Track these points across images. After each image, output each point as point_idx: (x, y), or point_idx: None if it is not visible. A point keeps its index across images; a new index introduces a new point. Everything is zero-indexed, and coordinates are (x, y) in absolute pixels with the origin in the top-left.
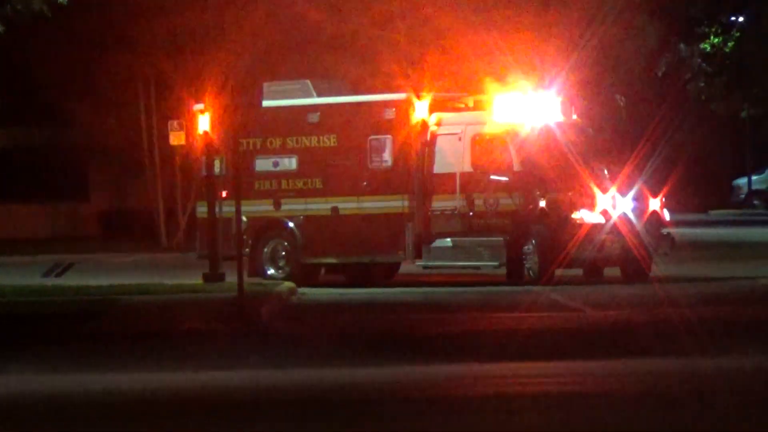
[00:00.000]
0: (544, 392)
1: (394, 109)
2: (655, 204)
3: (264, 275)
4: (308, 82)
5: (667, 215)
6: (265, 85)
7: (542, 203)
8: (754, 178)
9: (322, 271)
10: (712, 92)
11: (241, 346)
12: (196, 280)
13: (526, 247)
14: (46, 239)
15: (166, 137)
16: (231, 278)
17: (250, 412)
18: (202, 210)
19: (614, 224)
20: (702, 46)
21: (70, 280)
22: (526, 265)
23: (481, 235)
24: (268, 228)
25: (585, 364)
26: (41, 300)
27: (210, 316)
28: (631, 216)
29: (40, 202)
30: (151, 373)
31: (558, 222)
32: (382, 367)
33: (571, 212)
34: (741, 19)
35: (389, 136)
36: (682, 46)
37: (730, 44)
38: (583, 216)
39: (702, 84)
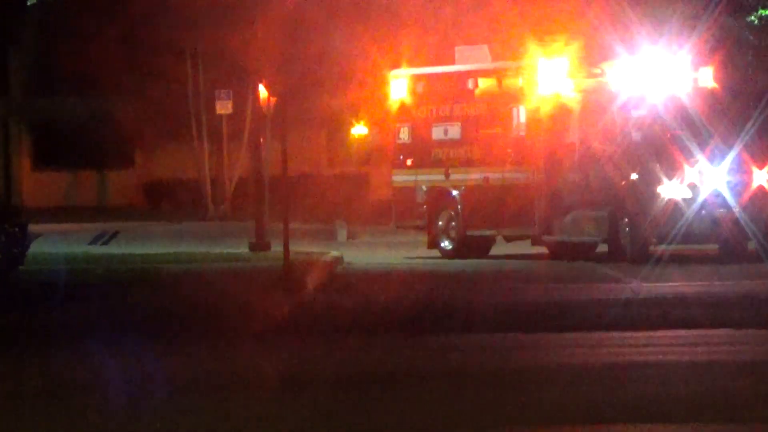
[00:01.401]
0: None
1: (525, 77)
2: (762, 177)
3: (438, 248)
4: (485, 46)
5: None
6: (457, 49)
7: (634, 176)
8: None
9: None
10: None
11: (283, 318)
12: (243, 248)
13: (621, 223)
14: (93, 207)
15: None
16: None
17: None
18: (398, 179)
19: (705, 199)
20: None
21: (115, 248)
22: (622, 242)
23: (589, 209)
24: (439, 198)
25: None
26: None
27: (255, 286)
28: (727, 190)
29: (88, 171)
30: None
31: (646, 196)
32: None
33: (658, 186)
34: None
35: (523, 104)
36: None
37: None
38: (670, 190)
39: None
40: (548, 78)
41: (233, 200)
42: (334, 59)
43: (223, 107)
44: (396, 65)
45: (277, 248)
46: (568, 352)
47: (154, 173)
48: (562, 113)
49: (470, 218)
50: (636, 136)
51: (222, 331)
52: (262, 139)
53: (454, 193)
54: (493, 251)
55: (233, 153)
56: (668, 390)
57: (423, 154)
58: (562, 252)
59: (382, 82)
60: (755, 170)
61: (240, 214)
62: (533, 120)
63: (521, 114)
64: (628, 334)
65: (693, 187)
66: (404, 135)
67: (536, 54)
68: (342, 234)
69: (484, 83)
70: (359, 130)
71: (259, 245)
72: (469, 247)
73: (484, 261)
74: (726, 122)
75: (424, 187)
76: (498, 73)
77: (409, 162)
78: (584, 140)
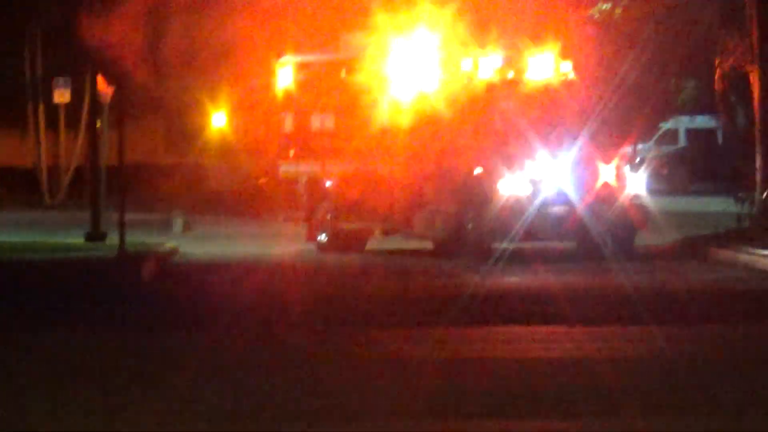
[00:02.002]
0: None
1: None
2: (608, 173)
3: (315, 241)
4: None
5: (632, 186)
6: (342, 37)
7: (477, 171)
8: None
9: None
10: None
11: (114, 307)
12: (78, 238)
13: (466, 219)
14: None
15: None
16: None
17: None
18: (283, 170)
19: (546, 196)
20: None
21: None
22: (467, 238)
23: (441, 204)
24: (316, 190)
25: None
26: None
27: (89, 276)
28: (570, 186)
29: None
30: (23, 332)
31: (486, 192)
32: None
33: (498, 181)
34: None
35: (387, 95)
36: None
37: None
38: (510, 186)
39: None
40: (413, 68)
41: (70, 190)
42: (186, 45)
43: (61, 96)
44: (266, 52)
45: (113, 238)
46: (411, 347)
47: None
48: (425, 105)
49: (342, 211)
50: (484, 130)
51: (56, 320)
52: (99, 127)
53: (328, 184)
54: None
55: (71, 141)
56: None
57: (304, 144)
58: (445, 248)
59: (262, 70)
60: (601, 166)
61: (77, 204)
62: (395, 111)
63: (384, 105)
64: (464, 330)
65: (534, 183)
66: (288, 124)
67: (403, 43)
68: (178, 225)
69: (356, 73)
70: (219, 119)
71: (95, 235)
72: (343, 240)
73: (355, 255)
74: (574, 117)
75: (304, 179)
76: (367, 62)
77: (291, 152)
78: (445, 133)
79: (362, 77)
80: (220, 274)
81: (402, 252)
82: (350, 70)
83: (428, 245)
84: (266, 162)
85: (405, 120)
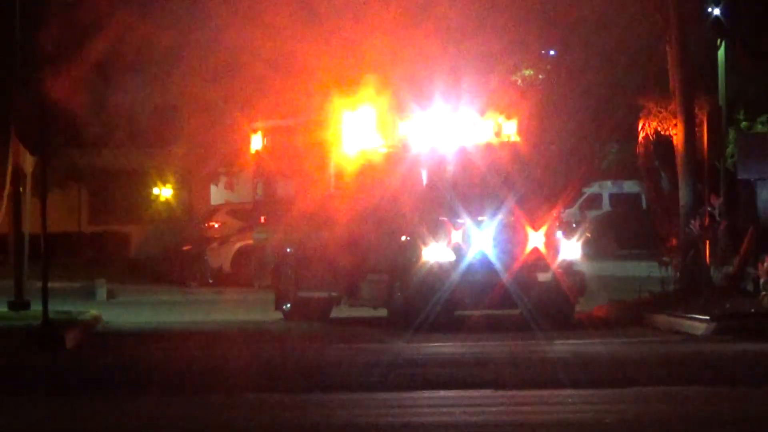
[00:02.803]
0: None
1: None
2: (540, 240)
3: (281, 309)
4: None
5: (566, 252)
6: None
7: (404, 237)
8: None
9: None
10: None
11: (38, 375)
12: (2, 307)
13: (395, 286)
14: None
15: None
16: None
17: None
18: (257, 237)
19: (470, 263)
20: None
21: None
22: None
23: (377, 272)
24: (280, 258)
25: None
26: None
27: (12, 345)
28: (497, 252)
29: None
30: None
31: (411, 259)
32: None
33: (422, 248)
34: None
35: (330, 159)
36: None
37: None
38: (433, 252)
39: None
40: (350, 132)
41: None
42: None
43: None
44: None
45: (36, 307)
46: (328, 413)
47: None
48: (365, 172)
49: (301, 278)
50: (413, 195)
51: None
52: (22, 195)
53: (289, 251)
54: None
55: None
56: None
57: (270, 210)
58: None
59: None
60: (532, 232)
61: (0, 272)
62: (340, 178)
63: (332, 172)
64: (390, 395)
65: (457, 249)
66: (259, 190)
67: (339, 106)
68: (101, 293)
69: (307, 136)
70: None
71: (19, 304)
72: (306, 308)
73: (315, 324)
74: (514, 180)
75: (269, 247)
76: (313, 126)
77: (262, 219)
78: (380, 200)
79: (314, 143)
80: (145, 342)
81: (362, 321)
82: (305, 136)
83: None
84: (192, 229)
85: (348, 187)
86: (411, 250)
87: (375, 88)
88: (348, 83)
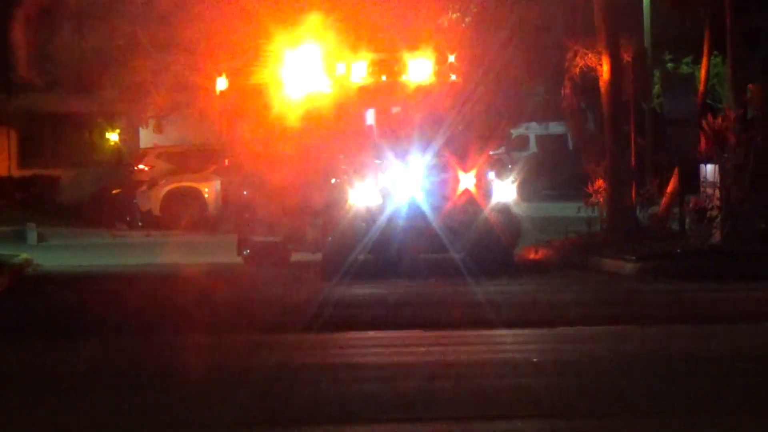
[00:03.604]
0: None
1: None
2: (468, 181)
3: (242, 255)
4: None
5: (499, 194)
6: None
7: (333, 181)
8: None
9: None
10: None
11: None
12: None
13: (330, 231)
14: None
15: None
16: None
17: None
18: (226, 180)
19: (398, 207)
20: None
21: None
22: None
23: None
24: (242, 204)
25: None
26: None
27: None
28: (426, 195)
29: None
30: None
31: (340, 203)
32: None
33: (349, 192)
34: None
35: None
36: None
37: None
38: (360, 197)
39: None
40: (293, 72)
41: None
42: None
43: None
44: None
45: None
46: (258, 353)
47: None
48: (305, 112)
49: (256, 223)
50: (349, 138)
51: None
52: None
53: (245, 195)
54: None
55: None
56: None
57: (233, 154)
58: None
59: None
60: (460, 174)
61: None
62: (285, 119)
63: (277, 113)
64: (319, 336)
65: (385, 192)
66: (222, 134)
67: (282, 46)
68: (32, 236)
69: (259, 80)
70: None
71: None
72: (266, 254)
73: (268, 269)
74: (437, 121)
75: (228, 191)
76: (265, 71)
77: (226, 162)
78: (316, 142)
79: (262, 85)
80: (75, 284)
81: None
82: (256, 78)
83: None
84: (121, 172)
85: (291, 128)
86: (339, 194)
87: (318, 27)
88: (291, 22)
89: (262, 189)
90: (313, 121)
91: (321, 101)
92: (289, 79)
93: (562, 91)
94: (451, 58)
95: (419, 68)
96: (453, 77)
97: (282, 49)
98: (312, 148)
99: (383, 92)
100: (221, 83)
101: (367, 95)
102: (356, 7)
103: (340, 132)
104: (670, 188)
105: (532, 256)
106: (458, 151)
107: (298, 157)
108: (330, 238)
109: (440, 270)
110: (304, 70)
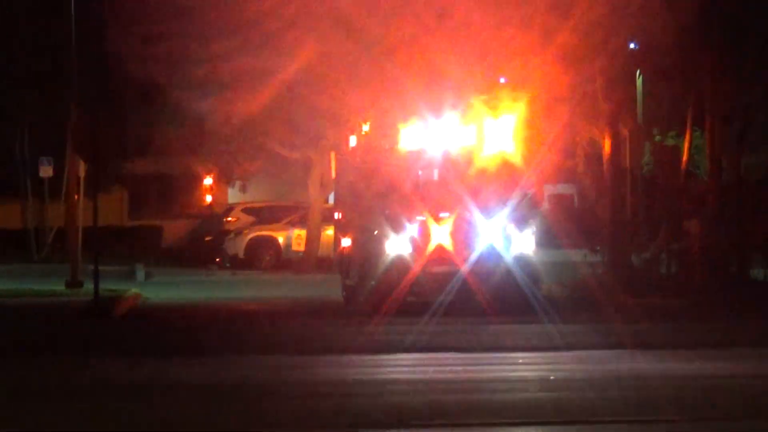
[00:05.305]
0: None
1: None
2: (493, 234)
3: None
4: None
5: (520, 244)
6: None
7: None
8: None
9: None
10: None
11: (93, 339)
12: (60, 286)
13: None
14: None
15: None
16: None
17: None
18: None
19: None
20: None
21: None
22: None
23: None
24: None
25: None
26: None
27: (70, 315)
28: (454, 247)
29: None
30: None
31: (375, 252)
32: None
33: (383, 244)
34: None
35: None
36: None
37: None
38: (392, 247)
39: None
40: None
41: (53, 247)
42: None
43: (45, 172)
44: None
45: (88, 286)
46: (320, 371)
47: None
48: (376, 173)
49: (345, 270)
50: (395, 195)
51: (40, 349)
52: (76, 197)
53: (342, 247)
54: None
55: (54, 207)
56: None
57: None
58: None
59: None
60: (488, 227)
61: (58, 258)
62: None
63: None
64: (370, 357)
65: (415, 243)
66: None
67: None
68: (141, 275)
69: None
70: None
71: (74, 283)
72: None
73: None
74: (472, 183)
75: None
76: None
77: (338, 215)
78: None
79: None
80: (176, 314)
81: None
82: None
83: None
84: (213, 223)
85: (358, 189)
86: (378, 245)
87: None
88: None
89: (352, 240)
90: (380, 182)
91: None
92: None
93: (576, 159)
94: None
95: (457, 134)
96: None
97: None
98: (376, 206)
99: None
100: (352, 141)
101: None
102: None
103: (391, 191)
104: (660, 239)
105: (546, 293)
106: (487, 209)
107: (368, 214)
108: (373, 283)
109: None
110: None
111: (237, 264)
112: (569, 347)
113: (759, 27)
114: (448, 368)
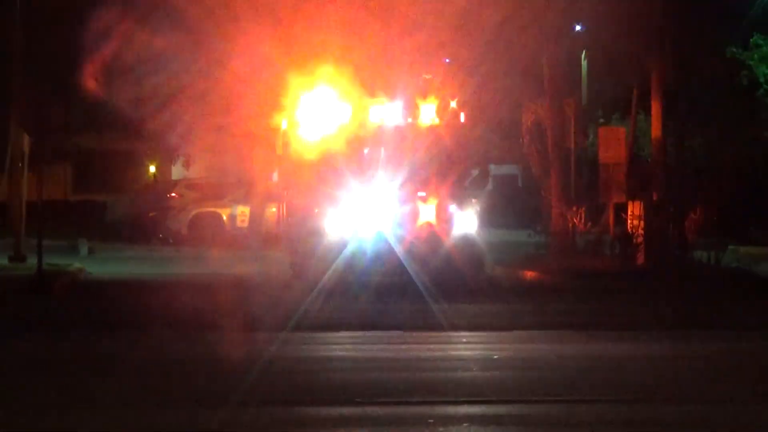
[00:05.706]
0: None
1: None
2: (431, 214)
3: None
4: None
5: (462, 224)
6: None
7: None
8: None
9: None
10: None
11: (33, 315)
12: (3, 260)
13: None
14: None
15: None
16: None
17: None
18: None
19: (364, 236)
20: None
21: None
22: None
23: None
24: None
25: None
26: None
27: (12, 290)
28: (389, 226)
29: None
30: None
31: (314, 232)
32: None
33: (322, 222)
34: None
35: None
36: None
37: None
38: (330, 227)
39: None
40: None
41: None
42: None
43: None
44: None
45: (32, 260)
46: (256, 347)
47: None
48: (321, 154)
49: (289, 245)
50: (332, 174)
51: None
52: (21, 170)
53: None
54: None
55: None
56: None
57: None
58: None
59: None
60: (427, 207)
61: (1, 233)
62: (303, 153)
63: (300, 148)
64: (310, 334)
65: (356, 222)
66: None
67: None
68: (84, 250)
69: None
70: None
71: (17, 257)
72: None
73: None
74: (414, 162)
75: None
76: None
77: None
78: (310, 175)
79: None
80: (119, 289)
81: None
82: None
83: None
84: (156, 199)
85: (304, 169)
86: (319, 223)
87: (329, 73)
88: (304, 67)
89: (296, 218)
90: (323, 160)
91: (332, 143)
92: (303, 121)
93: (522, 140)
94: (453, 104)
95: (428, 112)
96: (462, 119)
97: (296, 94)
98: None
99: (398, 133)
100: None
101: (382, 136)
102: (363, 54)
103: (345, 170)
104: (603, 220)
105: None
106: (432, 188)
107: (307, 190)
108: (315, 261)
109: (405, 292)
110: (315, 114)
111: (180, 240)
112: (512, 327)
113: (700, 10)
114: (391, 346)
